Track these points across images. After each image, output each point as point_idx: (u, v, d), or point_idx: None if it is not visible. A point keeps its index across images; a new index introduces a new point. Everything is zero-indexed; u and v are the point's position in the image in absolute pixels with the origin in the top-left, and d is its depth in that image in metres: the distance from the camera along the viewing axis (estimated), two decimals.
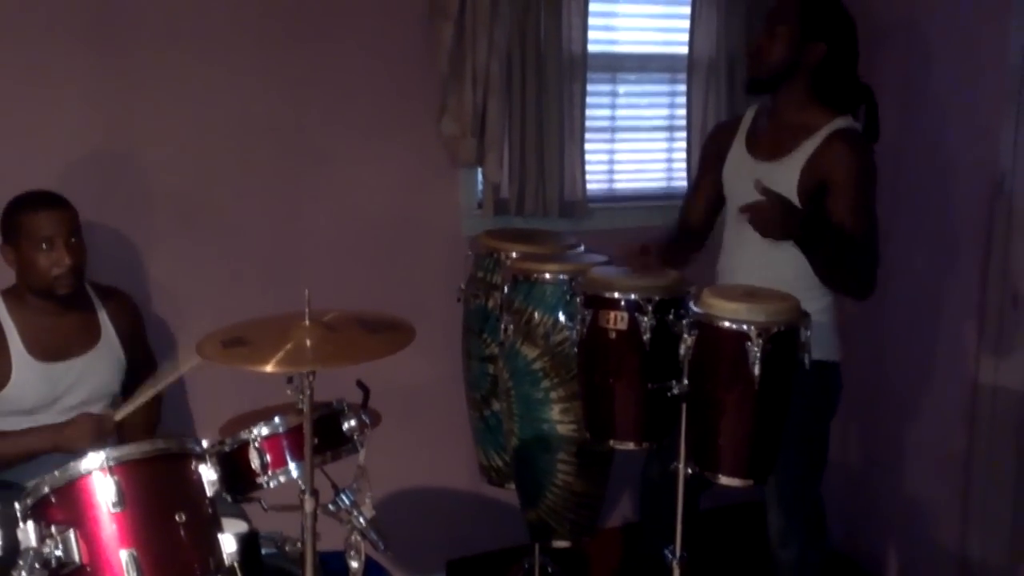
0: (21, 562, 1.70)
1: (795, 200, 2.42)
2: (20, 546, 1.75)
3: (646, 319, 2.23)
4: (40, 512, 1.77)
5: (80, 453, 2.19)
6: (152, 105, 2.75)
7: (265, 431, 2.05)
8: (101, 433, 2.33)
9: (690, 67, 3.25)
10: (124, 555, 1.73)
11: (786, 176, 2.45)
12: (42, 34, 2.63)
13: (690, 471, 2.26)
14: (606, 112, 3.34)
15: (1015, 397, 2.90)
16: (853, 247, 2.37)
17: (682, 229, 2.77)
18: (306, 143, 2.94)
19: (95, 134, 2.72)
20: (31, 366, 2.39)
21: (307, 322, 1.93)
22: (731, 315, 2.14)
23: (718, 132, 2.78)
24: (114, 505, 1.75)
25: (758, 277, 2.38)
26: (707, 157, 2.76)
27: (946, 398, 3.10)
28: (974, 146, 2.98)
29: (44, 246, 2.32)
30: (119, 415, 2.37)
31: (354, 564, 2.04)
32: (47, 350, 2.41)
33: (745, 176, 2.59)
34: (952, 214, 3.06)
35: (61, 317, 2.40)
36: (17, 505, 1.79)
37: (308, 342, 1.90)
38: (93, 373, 2.47)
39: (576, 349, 2.37)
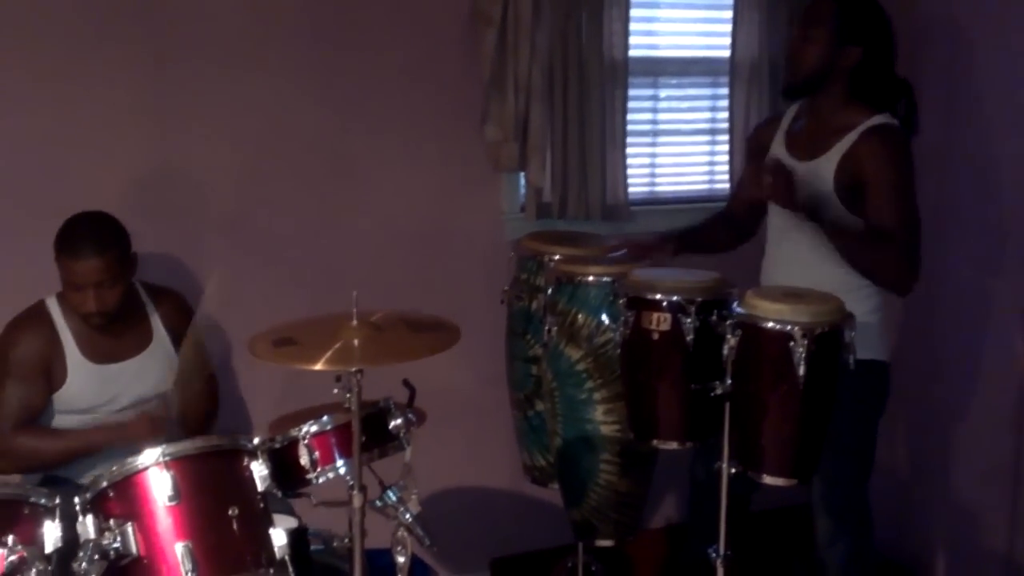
0: (81, 553, 1.76)
1: (833, 198, 2.42)
2: (79, 538, 1.81)
3: (689, 320, 2.24)
4: (99, 506, 1.84)
5: (138, 449, 2.26)
6: (201, 116, 2.82)
7: (314, 429, 2.09)
8: (157, 432, 2.39)
9: (732, 70, 3.25)
10: (179, 547, 1.79)
11: (822, 174, 2.45)
12: (100, 49, 2.70)
13: (734, 471, 2.27)
14: (647, 116, 3.35)
15: None
16: (880, 236, 2.36)
17: (728, 218, 2.81)
18: (351, 149, 2.99)
19: (149, 144, 2.79)
20: (86, 368, 2.46)
21: (355, 322, 1.97)
22: (775, 316, 2.14)
23: (760, 130, 2.80)
24: (170, 499, 1.81)
25: (803, 275, 2.38)
26: (750, 154, 2.79)
27: (994, 402, 3.06)
28: (1020, 148, 2.95)
29: (76, 289, 2.37)
30: (170, 382, 2.42)
31: (401, 559, 2.07)
32: (101, 353, 2.47)
33: None
34: (999, 215, 3.03)
35: (112, 322, 2.45)
36: (77, 499, 1.85)
37: (356, 341, 1.94)
38: (146, 374, 2.52)
39: (619, 350, 2.39)
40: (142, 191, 2.77)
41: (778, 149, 2.62)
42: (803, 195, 2.39)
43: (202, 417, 2.56)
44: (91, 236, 2.36)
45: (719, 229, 2.80)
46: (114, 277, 2.37)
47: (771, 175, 2.39)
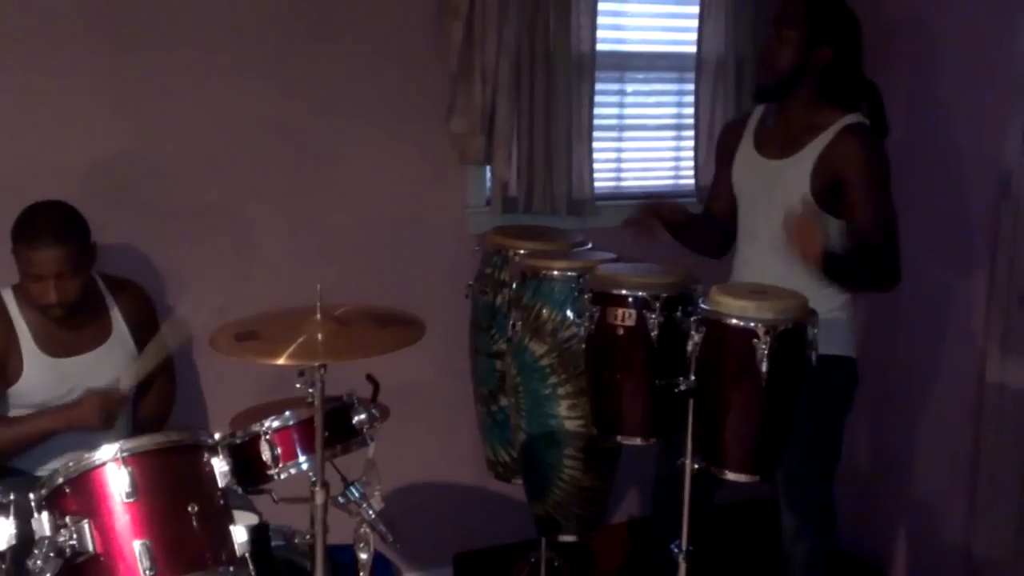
0: (36, 551, 1.73)
1: (808, 197, 2.44)
2: (34, 536, 1.77)
3: (654, 316, 2.25)
4: (54, 502, 1.80)
5: (93, 430, 2.22)
6: (166, 104, 2.78)
7: (276, 424, 2.06)
8: (109, 408, 2.35)
9: (698, 66, 3.26)
10: (137, 545, 1.76)
11: (797, 173, 2.47)
12: (61, 34, 2.65)
13: (697, 466, 2.27)
14: (614, 110, 3.35)
15: (1022, 396, 2.91)
16: (873, 256, 2.38)
17: (709, 221, 2.81)
18: (316, 141, 2.96)
19: (111, 132, 2.74)
20: (42, 362, 2.41)
21: (319, 316, 1.95)
22: (739, 312, 2.15)
23: (727, 130, 2.80)
24: (127, 496, 1.78)
25: (773, 274, 2.39)
26: (720, 156, 2.80)
27: (953, 396, 3.11)
28: (981, 146, 2.99)
29: (35, 280, 2.31)
30: (124, 384, 2.37)
31: (363, 556, 2.06)
32: (57, 346, 2.42)
33: (754, 175, 2.61)
34: (959, 214, 3.06)
35: (71, 314, 2.40)
36: (32, 495, 1.81)
37: (319, 336, 1.92)
38: (104, 367, 2.48)
39: (584, 345, 2.39)
40: (104, 180, 2.72)
41: (747, 148, 2.63)
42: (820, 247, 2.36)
43: (164, 420, 2.52)
44: (52, 225, 2.30)
45: (705, 230, 2.79)
46: (75, 267, 2.32)
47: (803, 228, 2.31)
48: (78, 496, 1.79)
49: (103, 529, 1.77)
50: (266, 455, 2.05)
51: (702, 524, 2.36)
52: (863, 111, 2.52)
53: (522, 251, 2.71)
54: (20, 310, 2.40)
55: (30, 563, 1.71)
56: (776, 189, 2.52)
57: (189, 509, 1.82)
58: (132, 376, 2.37)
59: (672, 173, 3.48)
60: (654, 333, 2.25)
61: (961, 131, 3.05)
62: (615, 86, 3.33)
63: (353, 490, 2.09)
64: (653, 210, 2.68)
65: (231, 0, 2.81)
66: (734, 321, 2.15)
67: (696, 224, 2.77)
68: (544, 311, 2.55)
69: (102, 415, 2.34)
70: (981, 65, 2.98)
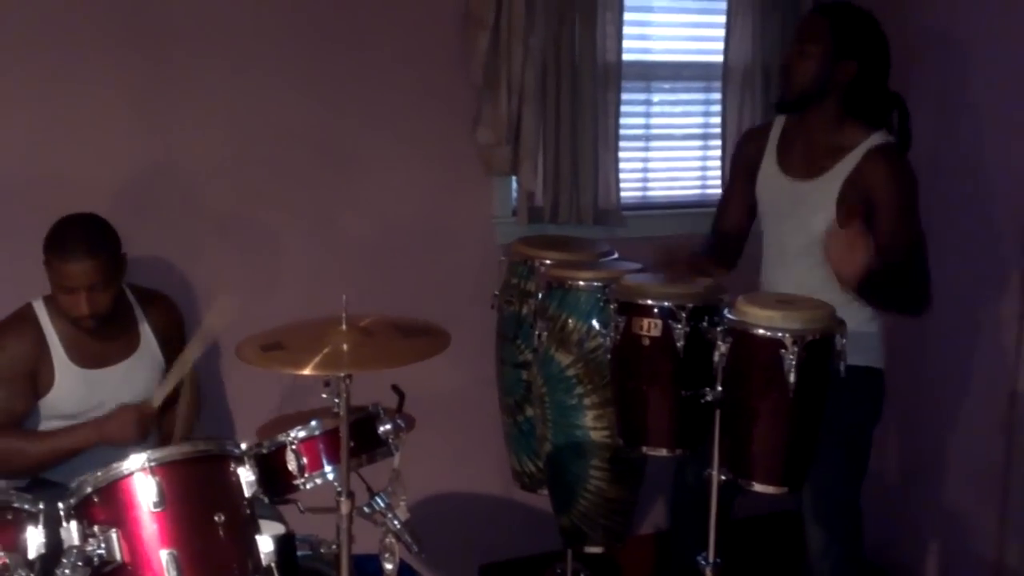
0: (64, 560, 1.74)
1: (835, 218, 2.41)
2: (63, 544, 1.79)
3: (680, 326, 2.23)
4: (83, 511, 1.82)
5: (125, 445, 2.24)
6: (192, 114, 2.80)
7: (302, 434, 2.07)
8: (142, 422, 2.37)
9: (725, 75, 3.25)
10: (164, 555, 1.77)
11: (823, 195, 2.43)
12: (86, 48, 2.68)
13: (724, 478, 2.26)
14: (640, 120, 3.34)
15: None
16: (906, 278, 2.35)
17: (717, 236, 2.77)
18: (342, 151, 2.97)
19: (137, 144, 2.77)
20: (73, 372, 2.43)
21: (344, 326, 1.96)
22: (766, 322, 2.14)
23: (747, 140, 2.76)
24: (155, 505, 1.79)
25: (802, 290, 2.36)
26: (737, 165, 2.76)
27: (985, 407, 3.07)
28: (1013, 155, 2.95)
29: (67, 292, 2.34)
30: (157, 400, 2.40)
31: (388, 566, 2.06)
32: (88, 357, 2.45)
33: (778, 194, 2.57)
34: (991, 223, 3.03)
35: (102, 325, 2.42)
36: (60, 504, 1.83)
37: (345, 346, 1.93)
38: (133, 378, 2.50)
39: (609, 356, 2.39)
40: (130, 192, 2.75)
41: (770, 165, 2.60)
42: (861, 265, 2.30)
43: (190, 430, 2.54)
44: (83, 238, 2.33)
45: (715, 260, 2.72)
46: (106, 279, 2.35)
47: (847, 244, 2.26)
48: (106, 505, 1.81)
49: (131, 538, 1.78)
50: (292, 465, 2.06)
51: (723, 536, 2.34)
52: (891, 124, 2.48)
53: (548, 261, 2.71)
54: (51, 321, 2.43)
55: (59, 572, 1.73)
56: (802, 211, 2.48)
57: (216, 519, 1.83)
58: (163, 392, 2.38)
59: (699, 183, 3.47)
60: (680, 343, 2.23)
61: (992, 140, 3.02)
62: (641, 96, 3.32)
63: (379, 500, 2.10)
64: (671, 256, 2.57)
65: (257, 12, 2.83)
66: (761, 331, 2.13)
67: (706, 256, 2.69)
68: (570, 321, 2.55)
69: (136, 429, 2.36)
70: (1011, 73, 2.95)
